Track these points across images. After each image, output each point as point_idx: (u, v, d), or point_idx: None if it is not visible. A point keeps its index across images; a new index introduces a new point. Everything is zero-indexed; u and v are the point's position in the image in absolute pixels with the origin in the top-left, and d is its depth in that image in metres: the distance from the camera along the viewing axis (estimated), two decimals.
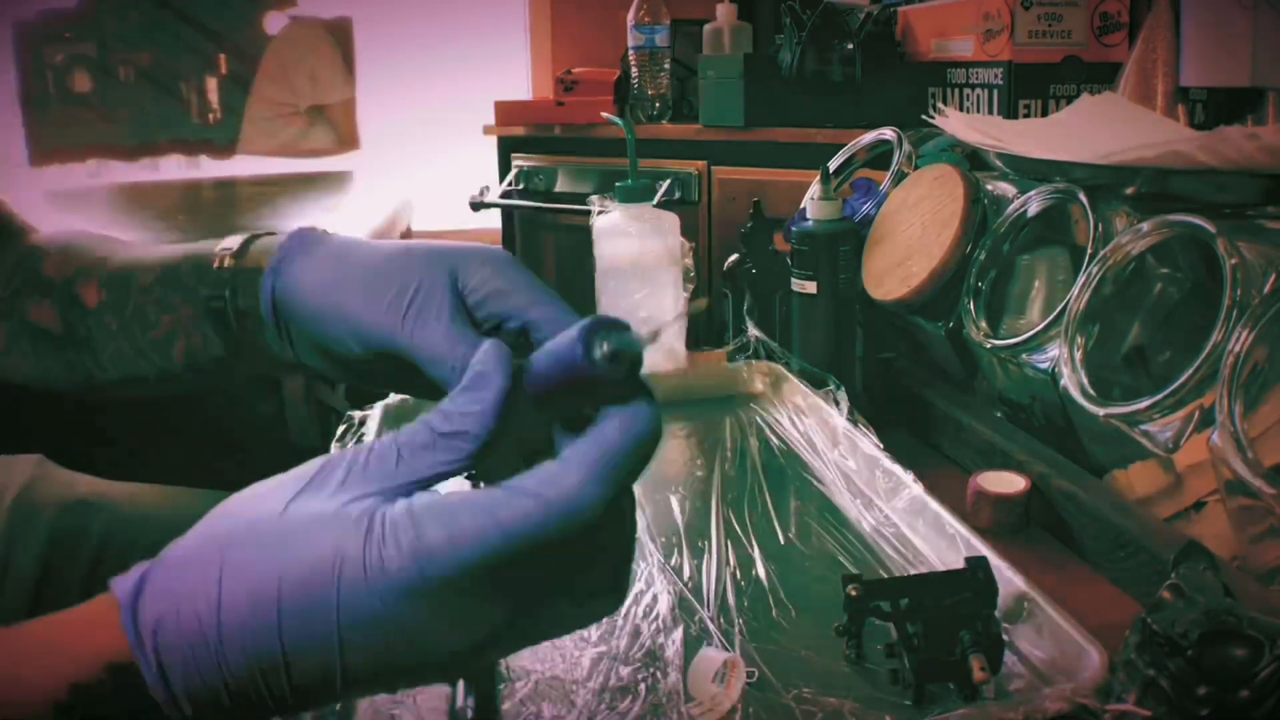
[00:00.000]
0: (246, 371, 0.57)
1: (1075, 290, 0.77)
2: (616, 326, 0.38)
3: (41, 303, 0.59)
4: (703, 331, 1.55)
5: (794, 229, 0.97)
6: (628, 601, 0.63)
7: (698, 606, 0.63)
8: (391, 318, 0.47)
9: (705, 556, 0.69)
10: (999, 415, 0.87)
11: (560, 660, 0.58)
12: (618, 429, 0.37)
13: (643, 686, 0.55)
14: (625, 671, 0.56)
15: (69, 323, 0.58)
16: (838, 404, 0.86)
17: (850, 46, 1.64)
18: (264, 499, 0.39)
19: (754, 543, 0.71)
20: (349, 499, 0.37)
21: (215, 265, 0.54)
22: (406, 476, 0.38)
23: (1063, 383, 0.75)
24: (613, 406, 0.38)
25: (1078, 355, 0.75)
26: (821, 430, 0.86)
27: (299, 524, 0.37)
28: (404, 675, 0.39)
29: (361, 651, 0.36)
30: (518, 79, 2.60)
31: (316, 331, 0.50)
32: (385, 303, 0.47)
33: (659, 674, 0.56)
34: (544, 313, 0.47)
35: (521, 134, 2.19)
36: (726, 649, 0.58)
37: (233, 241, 0.54)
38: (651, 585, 0.65)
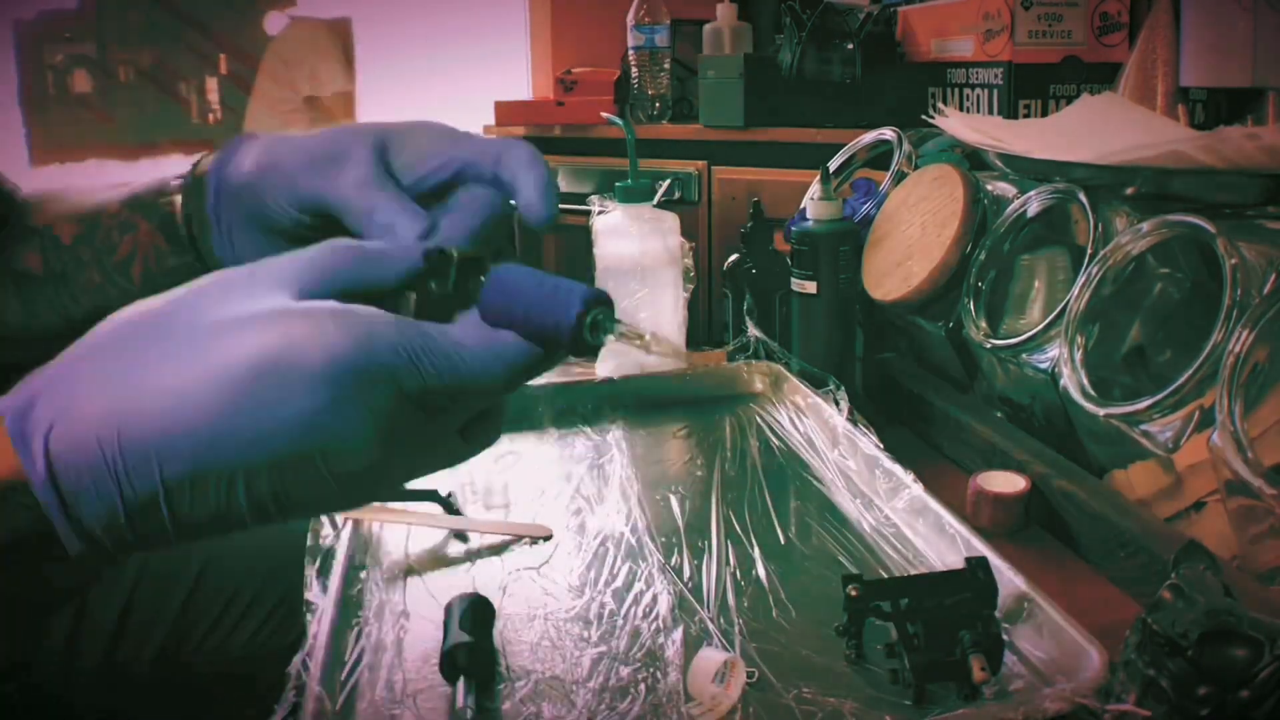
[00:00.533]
0: None
1: (1075, 290, 0.77)
2: (609, 307, 0.40)
3: (27, 250, 0.61)
4: (703, 331, 1.55)
5: (794, 229, 0.97)
6: (628, 602, 0.63)
7: (698, 607, 0.63)
8: (320, 175, 0.49)
9: (705, 556, 0.69)
10: (999, 415, 0.87)
11: (560, 660, 0.58)
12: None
13: (643, 686, 0.55)
14: (625, 671, 0.56)
15: (48, 262, 0.60)
16: (838, 404, 0.86)
17: (850, 46, 1.64)
18: (160, 308, 0.38)
19: (754, 543, 0.71)
20: (277, 296, 0.37)
21: (172, 181, 0.56)
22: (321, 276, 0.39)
23: (1063, 383, 0.75)
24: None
25: (1078, 355, 0.75)
26: (821, 430, 0.86)
27: (224, 321, 0.36)
28: (313, 488, 0.37)
29: (284, 455, 0.35)
30: (518, 79, 2.60)
31: (253, 204, 0.51)
32: (314, 163, 0.49)
33: (659, 674, 0.56)
34: (468, 153, 0.49)
35: (521, 134, 2.19)
36: (726, 649, 0.58)
37: (185, 164, 0.57)
38: (651, 585, 0.65)
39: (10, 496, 0.35)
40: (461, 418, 0.41)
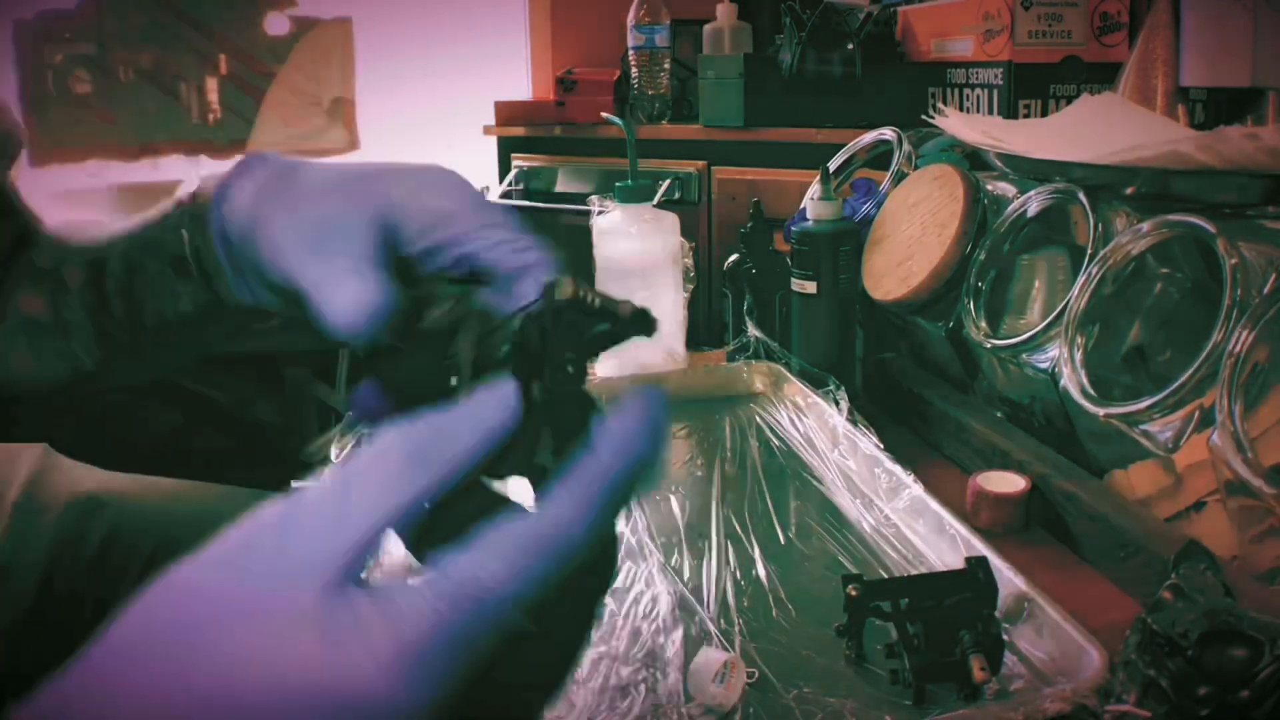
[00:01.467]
0: (216, 332, 0.52)
1: (1075, 290, 0.77)
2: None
3: (31, 293, 0.56)
4: (703, 331, 1.55)
5: (794, 229, 0.97)
6: (628, 602, 0.63)
7: (698, 607, 0.63)
8: (301, 251, 0.41)
9: (705, 556, 0.69)
10: (999, 415, 0.87)
11: None
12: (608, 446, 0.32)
13: (643, 687, 0.55)
14: (625, 672, 0.56)
15: (55, 308, 0.55)
16: (838, 404, 0.86)
17: (850, 46, 1.64)
18: (214, 581, 0.30)
19: (754, 543, 0.71)
20: (330, 576, 0.30)
21: (174, 208, 0.50)
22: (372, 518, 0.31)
23: (1063, 383, 0.75)
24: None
25: (1078, 355, 0.75)
26: (821, 430, 0.86)
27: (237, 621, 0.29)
28: None
29: None
30: (518, 79, 2.60)
31: (250, 255, 0.45)
32: (302, 232, 0.41)
33: (659, 674, 0.56)
34: (485, 241, 0.40)
35: (521, 134, 2.19)
36: (726, 649, 0.58)
37: (185, 193, 0.50)
38: (651, 585, 0.65)
39: None
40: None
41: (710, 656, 0.55)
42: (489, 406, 0.32)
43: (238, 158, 0.50)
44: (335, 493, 0.31)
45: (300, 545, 0.31)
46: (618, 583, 0.66)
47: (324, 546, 0.30)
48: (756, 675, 0.56)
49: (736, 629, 0.61)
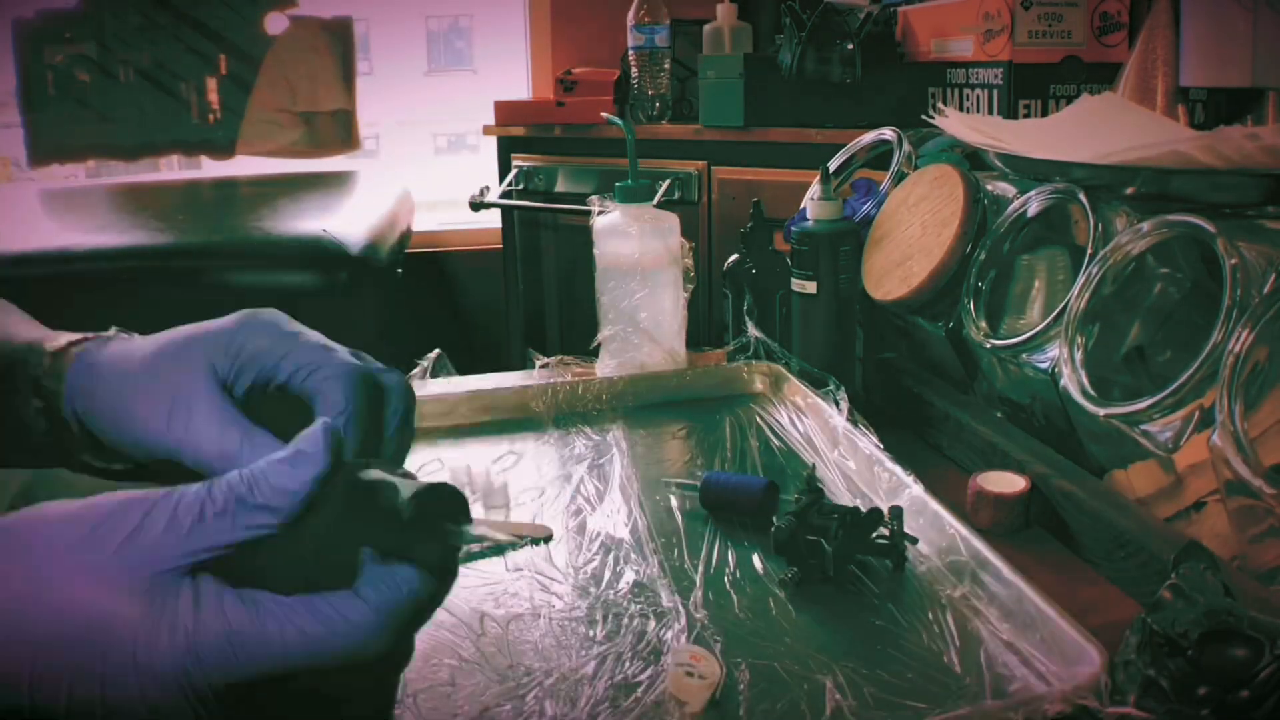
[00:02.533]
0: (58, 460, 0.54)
1: (1075, 290, 0.77)
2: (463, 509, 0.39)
3: None
4: (703, 331, 1.55)
5: (794, 229, 0.97)
6: (628, 601, 0.63)
7: (698, 606, 0.63)
8: (161, 429, 0.47)
9: (705, 556, 0.69)
10: (999, 415, 0.87)
11: (563, 659, 0.58)
12: (420, 583, 0.38)
13: (644, 685, 0.55)
14: (626, 670, 0.56)
15: None
16: (838, 404, 0.86)
17: (850, 46, 1.64)
18: (38, 536, 0.37)
19: (754, 542, 0.71)
20: (133, 562, 0.36)
21: (43, 361, 0.52)
22: (200, 543, 0.36)
23: (1063, 383, 0.75)
24: (420, 554, 0.38)
25: (1078, 355, 0.75)
26: (821, 430, 0.86)
27: (74, 580, 0.36)
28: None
29: None
30: (518, 79, 2.60)
31: (111, 439, 0.49)
32: (157, 414, 0.47)
33: (659, 673, 0.56)
34: (298, 360, 0.48)
35: (521, 134, 2.19)
36: (711, 648, 0.58)
37: (61, 340, 0.53)
38: (652, 585, 0.65)
39: None
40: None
41: (679, 651, 0.56)
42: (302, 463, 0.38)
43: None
44: (202, 501, 0.37)
45: (165, 530, 0.36)
46: (619, 582, 0.66)
47: (184, 541, 0.36)
48: (724, 675, 0.56)
49: (737, 629, 0.61)
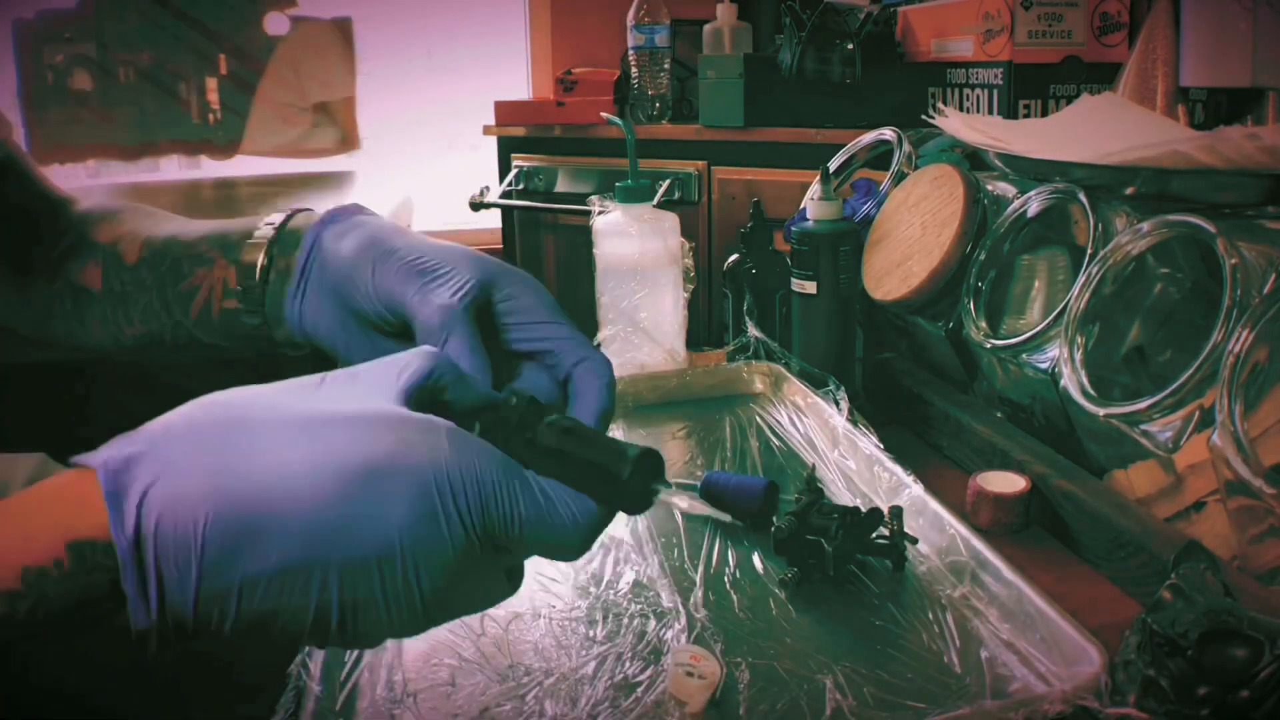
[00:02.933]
0: (249, 340, 0.58)
1: (1075, 290, 0.77)
2: (659, 464, 0.42)
3: (87, 264, 0.61)
4: (703, 331, 1.55)
5: (794, 229, 0.97)
6: (628, 601, 0.63)
7: (697, 606, 0.63)
8: (413, 286, 0.49)
9: (705, 556, 0.69)
10: (999, 415, 0.87)
11: (563, 659, 0.58)
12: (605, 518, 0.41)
13: (644, 685, 0.55)
14: (627, 670, 0.56)
15: (108, 279, 0.60)
16: (838, 404, 0.86)
17: (850, 46, 1.64)
18: (266, 395, 0.38)
19: (754, 542, 0.71)
20: (389, 402, 0.38)
21: (261, 225, 0.58)
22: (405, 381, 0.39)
23: (1063, 383, 0.75)
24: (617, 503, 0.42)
25: (1078, 355, 0.75)
26: (821, 430, 0.86)
27: (338, 416, 0.36)
28: (381, 604, 0.36)
29: (372, 557, 0.35)
30: (518, 79, 2.60)
31: (344, 285, 0.52)
32: (414, 276, 0.50)
33: (659, 673, 0.56)
34: (557, 341, 0.50)
35: (521, 134, 2.19)
36: (711, 648, 0.58)
37: (277, 216, 0.58)
38: (652, 585, 0.65)
39: (89, 555, 0.34)
40: (519, 560, 0.42)
41: (683, 653, 0.56)
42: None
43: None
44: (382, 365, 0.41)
45: (371, 378, 0.39)
46: (620, 582, 0.66)
47: (392, 376, 0.39)
48: (724, 675, 0.56)
49: (736, 629, 0.61)
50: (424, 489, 0.36)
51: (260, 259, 0.56)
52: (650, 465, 0.42)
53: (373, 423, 0.36)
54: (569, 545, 0.40)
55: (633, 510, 0.42)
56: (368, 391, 0.39)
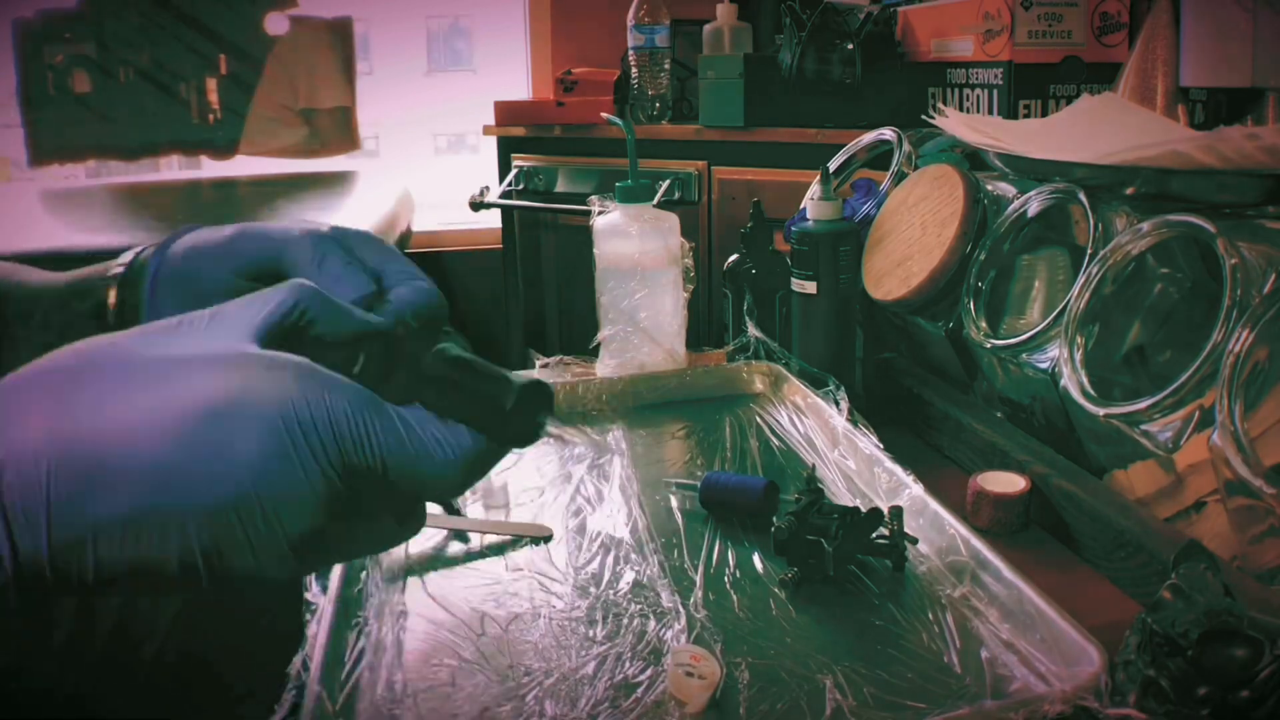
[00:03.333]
0: None
1: (1075, 290, 0.77)
2: (547, 396, 0.42)
3: None
4: (703, 331, 1.55)
5: (794, 229, 0.97)
6: (628, 601, 0.63)
7: (697, 606, 0.63)
8: (271, 240, 0.51)
9: (705, 556, 0.69)
10: (999, 415, 0.87)
11: (563, 659, 0.58)
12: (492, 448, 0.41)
13: (644, 686, 0.55)
14: (626, 670, 0.56)
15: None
16: (838, 404, 0.86)
17: (850, 46, 1.64)
18: (118, 341, 0.37)
19: (753, 542, 0.71)
20: (240, 341, 0.37)
21: (114, 268, 0.56)
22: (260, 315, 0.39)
23: (1063, 383, 0.75)
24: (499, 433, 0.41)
25: (1078, 355, 0.75)
26: (821, 430, 0.86)
27: (183, 358, 0.36)
28: (246, 548, 0.35)
29: (226, 502, 0.34)
30: (518, 79, 2.60)
31: (190, 276, 0.53)
32: (261, 235, 0.51)
33: (659, 673, 0.56)
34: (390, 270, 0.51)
35: (521, 134, 2.19)
36: (711, 648, 0.58)
37: (127, 255, 0.57)
38: (652, 585, 0.65)
39: None
40: (407, 501, 0.41)
41: (683, 653, 0.56)
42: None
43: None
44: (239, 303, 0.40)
45: (230, 318, 0.39)
46: (619, 582, 0.66)
47: (252, 314, 0.39)
48: (724, 675, 0.56)
49: (736, 629, 0.61)
50: (271, 428, 0.35)
51: (110, 299, 0.56)
52: (538, 396, 0.41)
53: (217, 363, 0.36)
54: (443, 478, 0.38)
55: (519, 443, 0.41)
56: (222, 331, 0.38)
